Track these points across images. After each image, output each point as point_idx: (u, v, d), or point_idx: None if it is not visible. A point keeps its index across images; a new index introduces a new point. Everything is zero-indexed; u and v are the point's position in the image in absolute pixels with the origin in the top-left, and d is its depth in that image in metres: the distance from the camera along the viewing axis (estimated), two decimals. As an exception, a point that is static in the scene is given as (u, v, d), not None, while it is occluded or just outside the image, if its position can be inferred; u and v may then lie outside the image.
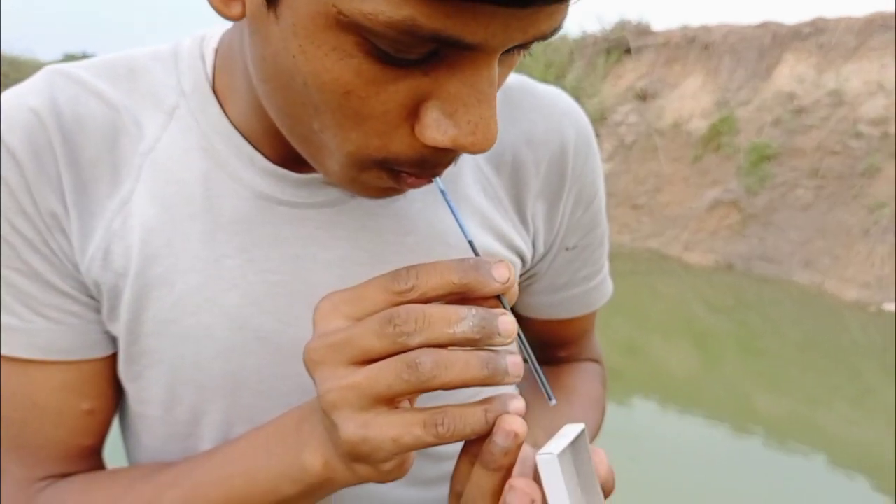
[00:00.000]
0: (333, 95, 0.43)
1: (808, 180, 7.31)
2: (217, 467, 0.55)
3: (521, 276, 0.68)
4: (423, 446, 0.43)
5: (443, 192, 0.49)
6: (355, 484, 0.50)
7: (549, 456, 0.43)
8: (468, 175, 0.62)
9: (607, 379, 0.85)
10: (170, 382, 0.58)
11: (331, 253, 0.58)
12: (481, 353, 0.43)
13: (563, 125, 0.66)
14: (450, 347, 0.43)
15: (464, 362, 0.42)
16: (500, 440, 0.43)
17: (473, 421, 0.43)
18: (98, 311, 0.58)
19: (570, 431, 0.46)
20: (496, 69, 0.43)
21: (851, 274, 6.46)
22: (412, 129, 0.45)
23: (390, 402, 0.44)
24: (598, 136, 0.69)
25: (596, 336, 0.85)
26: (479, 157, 0.63)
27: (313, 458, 0.49)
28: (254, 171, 0.57)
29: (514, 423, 0.43)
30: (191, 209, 0.56)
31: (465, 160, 0.62)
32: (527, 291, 0.72)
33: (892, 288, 6.14)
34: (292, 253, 0.57)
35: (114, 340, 0.60)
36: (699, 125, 8.53)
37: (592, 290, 0.76)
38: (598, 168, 0.70)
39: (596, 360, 0.85)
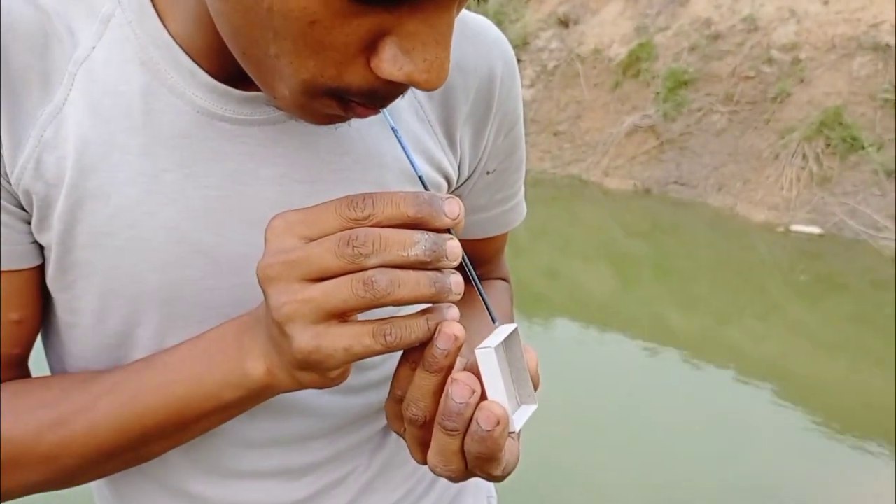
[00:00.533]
0: (298, 24, 0.43)
1: (722, 105, 7.48)
2: (156, 375, 0.56)
3: None
4: (371, 355, 0.47)
5: (394, 129, 0.51)
6: (296, 390, 0.53)
7: (487, 349, 0.47)
8: (402, 100, 0.64)
9: (514, 295, 0.90)
10: (103, 293, 0.59)
11: (270, 170, 0.59)
12: (429, 273, 0.46)
13: (492, 55, 0.68)
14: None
15: (415, 281, 0.45)
16: (441, 344, 0.47)
17: (417, 329, 0.47)
18: (27, 221, 0.58)
19: (504, 330, 0.51)
20: (455, 13, 0.45)
21: (761, 196, 6.71)
22: (368, 61, 0.46)
23: (341, 316, 0.46)
24: (520, 62, 0.74)
25: (506, 257, 0.90)
26: None
27: (256, 366, 0.52)
28: (195, 86, 0.57)
29: (453, 328, 0.47)
30: (129, 122, 0.56)
31: None
32: None
33: (798, 210, 6.42)
34: (232, 169, 0.58)
35: (42, 251, 0.59)
36: (619, 51, 8.58)
37: (508, 211, 0.80)
38: (520, 96, 0.74)
39: (505, 279, 0.91)
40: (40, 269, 0.60)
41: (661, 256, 6.16)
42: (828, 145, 6.56)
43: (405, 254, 0.45)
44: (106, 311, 0.59)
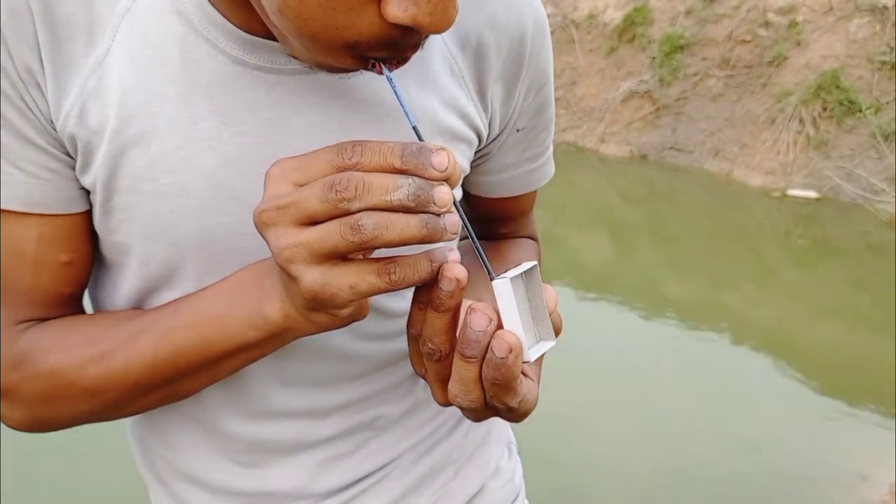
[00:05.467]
0: None
1: (718, 70, 7.42)
2: (186, 315, 0.60)
3: (474, 154, 0.74)
4: (377, 292, 0.49)
5: (389, 80, 0.52)
6: (314, 332, 0.56)
7: (503, 280, 0.49)
8: (437, 54, 0.66)
9: (542, 256, 0.92)
10: (144, 238, 0.62)
11: (303, 118, 0.61)
12: (420, 215, 0.47)
13: (523, 13, 0.70)
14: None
15: (403, 223, 0.46)
16: (445, 286, 0.49)
17: (420, 268, 0.49)
18: (73, 168, 0.61)
19: (524, 266, 0.52)
20: None
21: (758, 161, 6.68)
22: (378, 8, 0.47)
23: (342, 256, 0.48)
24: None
25: (534, 216, 0.92)
26: (447, 38, 0.67)
27: (273, 309, 0.55)
28: (226, 38, 0.59)
29: (455, 270, 0.49)
30: (168, 71, 0.59)
31: (435, 41, 0.66)
32: (476, 171, 0.78)
33: (795, 174, 6.40)
34: (267, 117, 0.61)
35: (88, 197, 0.63)
36: (614, 16, 8.50)
37: (536, 170, 0.82)
38: (550, 55, 0.75)
39: (533, 238, 0.93)
40: (88, 214, 0.63)
41: (658, 222, 6.14)
42: (825, 109, 6.52)
43: (388, 198, 0.46)
44: (148, 254, 0.63)
